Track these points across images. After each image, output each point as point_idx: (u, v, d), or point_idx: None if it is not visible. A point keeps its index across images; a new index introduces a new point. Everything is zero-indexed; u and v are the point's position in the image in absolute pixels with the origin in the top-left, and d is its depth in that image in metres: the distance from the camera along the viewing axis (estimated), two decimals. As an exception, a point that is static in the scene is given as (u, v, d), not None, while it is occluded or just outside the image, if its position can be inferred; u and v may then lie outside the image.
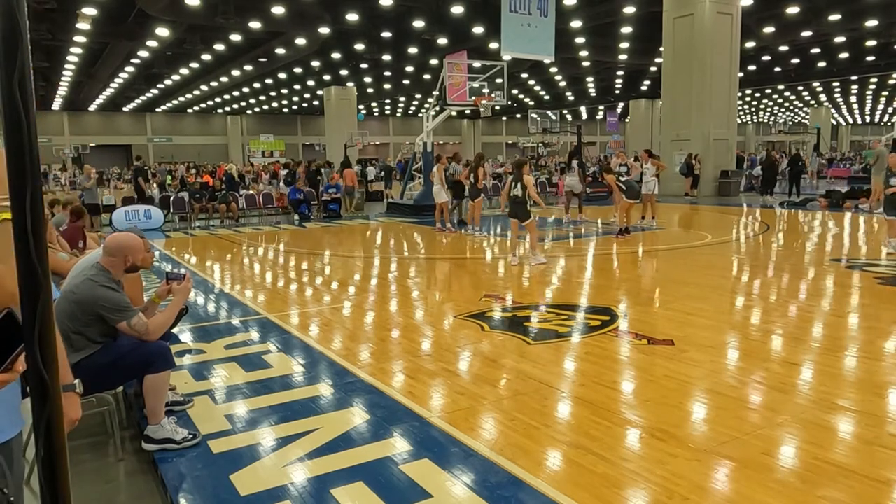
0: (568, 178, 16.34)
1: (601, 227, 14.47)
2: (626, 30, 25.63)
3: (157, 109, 50.12)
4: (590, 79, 39.14)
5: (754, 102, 55.01)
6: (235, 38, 25.34)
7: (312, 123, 54.80)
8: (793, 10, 23.04)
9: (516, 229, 9.69)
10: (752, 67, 33.23)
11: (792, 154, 25.68)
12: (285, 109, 53.82)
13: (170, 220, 17.74)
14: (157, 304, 3.88)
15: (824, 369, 4.68)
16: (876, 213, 15.44)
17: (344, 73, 33.85)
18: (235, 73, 32.78)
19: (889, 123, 61.70)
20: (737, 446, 3.43)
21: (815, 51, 31.11)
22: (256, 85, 38.44)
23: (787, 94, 50.22)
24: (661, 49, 22.88)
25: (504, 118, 62.03)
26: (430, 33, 24.65)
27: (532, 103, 46.86)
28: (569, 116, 52.17)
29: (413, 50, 27.37)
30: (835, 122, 60.95)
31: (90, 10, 19.88)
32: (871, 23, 23.96)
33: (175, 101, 45.51)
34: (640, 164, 14.71)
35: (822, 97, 50.64)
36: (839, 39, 28.01)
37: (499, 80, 17.29)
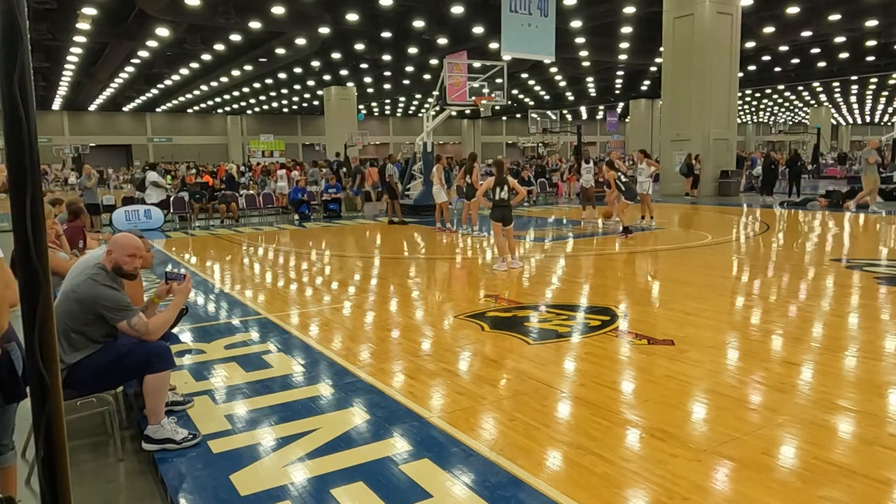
0: (584, 175, 16.94)
1: (601, 227, 14.47)
2: (626, 30, 25.64)
3: (157, 109, 50.14)
4: (590, 79, 39.14)
5: (754, 102, 55.04)
6: (235, 38, 25.35)
7: (312, 123, 54.82)
8: (793, 10, 23.06)
9: (500, 233, 9.15)
10: (752, 67, 33.25)
11: (791, 154, 25.69)
12: (285, 109, 53.82)
13: (170, 221, 17.75)
14: (156, 304, 3.88)
15: (824, 369, 4.68)
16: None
17: (344, 73, 33.86)
18: (235, 73, 32.79)
19: (889, 123, 61.71)
20: (737, 446, 3.43)
21: (815, 51, 31.13)
22: (256, 85, 38.44)
23: (787, 94, 50.25)
24: (661, 49, 22.88)
25: (504, 118, 62.05)
26: (430, 33, 24.66)
27: (532, 103, 46.88)
28: (569, 116, 52.20)
29: (413, 50, 27.38)
30: (835, 122, 60.95)
31: (90, 10, 19.89)
32: (871, 23, 23.98)
33: (175, 101, 45.53)
34: (635, 164, 14.77)
35: (822, 97, 50.68)
36: (839, 39, 28.02)
37: (499, 80, 17.29)
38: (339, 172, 19.13)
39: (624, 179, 12.61)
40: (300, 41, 25.35)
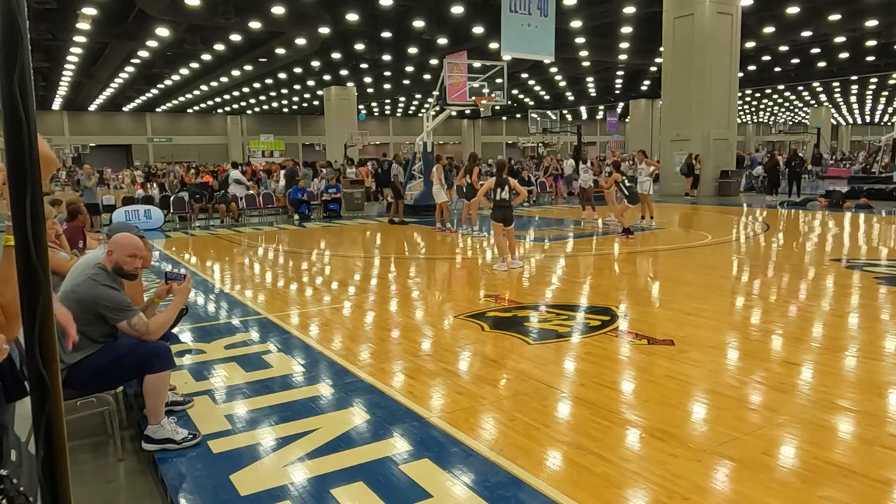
0: (582, 175, 17.10)
1: (602, 227, 14.47)
2: (626, 30, 25.64)
3: (157, 109, 50.12)
4: (590, 79, 39.12)
5: (754, 102, 55.00)
6: (235, 38, 25.34)
7: (312, 123, 54.79)
8: (793, 10, 23.06)
9: (500, 233, 9.15)
10: (752, 67, 33.23)
11: (790, 154, 25.67)
12: (285, 109, 53.80)
13: (170, 220, 17.74)
14: (156, 304, 3.88)
15: (824, 369, 4.68)
16: None
17: (344, 73, 33.85)
18: (235, 73, 32.77)
19: (889, 123, 61.67)
20: (737, 446, 3.43)
21: (815, 51, 31.12)
22: (256, 85, 38.43)
23: (787, 94, 50.21)
24: (661, 49, 22.88)
25: (504, 118, 62.02)
26: (430, 33, 24.65)
27: (532, 103, 46.84)
28: (569, 116, 52.17)
29: (413, 50, 27.37)
30: (835, 122, 60.94)
31: (90, 10, 19.88)
32: (871, 23, 23.97)
33: (175, 101, 45.50)
34: (636, 164, 14.80)
35: (822, 97, 50.63)
36: (839, 39, 28.01)
37: (499, 80, 17.28)
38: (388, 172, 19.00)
39: (628, 184, 12.59)
40: (300, 41, 25.34)
